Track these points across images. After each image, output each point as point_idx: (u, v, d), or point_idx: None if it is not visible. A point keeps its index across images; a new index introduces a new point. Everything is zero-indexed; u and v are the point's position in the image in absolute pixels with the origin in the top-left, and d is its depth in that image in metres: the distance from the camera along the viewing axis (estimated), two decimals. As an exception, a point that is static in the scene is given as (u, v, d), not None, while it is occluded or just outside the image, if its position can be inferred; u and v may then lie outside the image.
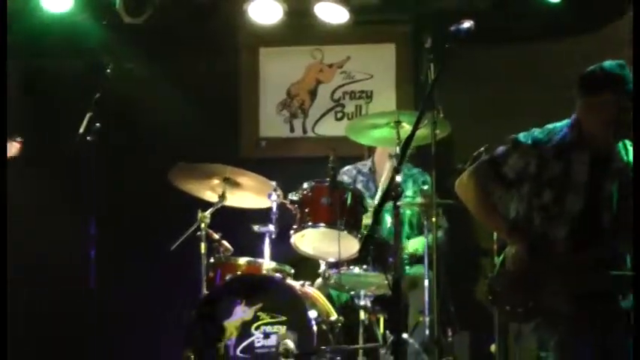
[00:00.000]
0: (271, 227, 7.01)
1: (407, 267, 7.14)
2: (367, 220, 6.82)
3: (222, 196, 7.31)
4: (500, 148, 5.51)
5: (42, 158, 8.70)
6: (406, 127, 6.70)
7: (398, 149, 6.65)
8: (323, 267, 7.01)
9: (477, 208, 5.61)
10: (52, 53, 8.64)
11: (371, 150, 7.86)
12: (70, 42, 8.31)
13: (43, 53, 8.70)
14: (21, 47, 8.57)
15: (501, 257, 5.55)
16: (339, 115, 8.68)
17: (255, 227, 7.09)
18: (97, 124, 7.25)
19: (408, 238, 7.42)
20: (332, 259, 6.85)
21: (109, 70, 7.52)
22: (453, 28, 5.05)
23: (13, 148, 4.84)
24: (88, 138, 7.22)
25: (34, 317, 8.33)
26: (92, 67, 7.85)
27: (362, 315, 6.75)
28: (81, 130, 7.23)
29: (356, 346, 6.71)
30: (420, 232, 7.39)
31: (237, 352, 6.78)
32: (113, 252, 7.48)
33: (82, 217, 7.22)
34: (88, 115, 7.26)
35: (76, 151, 7.21)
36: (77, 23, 8.13)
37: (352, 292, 6.88)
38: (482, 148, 6.55)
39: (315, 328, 6.61)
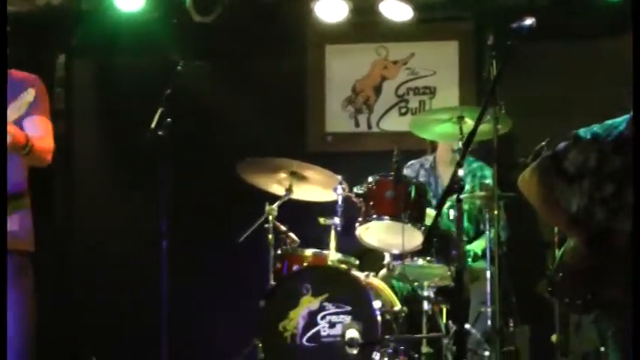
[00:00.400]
0: (337, 220, 7.01)
1: (469, 260, 7.12)
2: (430, 213, 6.83)
3: (289, 190, 7.34)
4: (562, 144, 5.48)
5: (115, 152, 8.80)
6: (468, 123, 6.69)
7: (460, 144, 6.64)
8: (387, 258, 7.03)
9: (540, 203, 5.59)
10: (125, 51, 8.71)
11: (434, 145, 7.85)
12: (142, 40, 8.38)
13: (116, 51, 8.77)
14: (95, 45, 8.67)
15: (561, 250, 5.53)
16: (403, 110, 8.68)
17: (321, 220, 7.10)
18: (168, 120, 7.29)
19: (467, 233, 7.39)
20: (396, 251, 6.87)
21: (179, 67, 7.56)
22: (514, 25, 5.03)
23: None
24: (160, 133, 7.27)
25: (108, 306, 8.41)
26: (163, 64, 7.88)
27: (425, 305, 6.75)
28: (152, 125, 7.29)
29: (419, 335, 6.72)
30: (479, 228, 7.37)
31: (304, 341, 6.81)
32: (184, 243, 7.52)
33: (154, 209, 7.28)
34: (159, 111, 7.31)
35: (147, 145, 7.27)
36: (149, 22, 8.19)
37: (416, 283, 6.88)
38: (543, 143, 6.53)
39: (379, 317, 6.62)
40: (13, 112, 4.68)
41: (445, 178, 7.45)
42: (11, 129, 4.71)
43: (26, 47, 5.16)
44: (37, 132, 4.97)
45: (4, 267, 5.67)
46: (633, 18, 5.28)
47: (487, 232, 6.68)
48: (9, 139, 4.70)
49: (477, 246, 7.21)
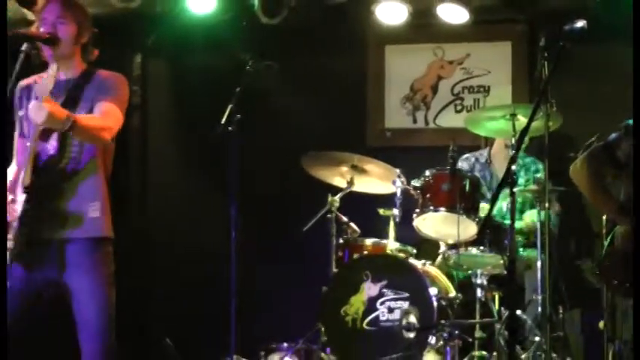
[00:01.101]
0: (395, 211, 7.05)
1: (521, 249, 7.11)
2: (484, 205, 6.83)
3: (351, 182, 7.38)
4: (614, 134, 5.48)
5: (187, 146, 8.86)
6: (521, 120, 6.68)
7: (513, 140, 6.63)
8: (443, 248, 7.05)
9: (590, 191, 5.59)
10: (197, 51, 8.76)
11: (487, 140, 7.83)
12: (212, 41, 8.42)
13: (188, 51, 8.83)
14: (168, 46, 8.74)
15: (610, 236, 5.52)
16: (459, 107, 8.67)
17: (381, 211, 7.14)
18: (238, 116, 7.35)
19: (522, 212, 7.37)
20: (451, 241, 6.89)
21: (248, 67, 7.61)
22: (566, 27, 5.03)
23: None
24: (230, 128, 7.32)
25: (180, 291, 8.48)
26: (233, 63, 7.93)
27: (479, 292, 6.76)
28: (223, 121, 7.34)
29: (473, 320, 6.72)
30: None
31: (364, 325, 6.85)
32: (252, 232, 7.57)
33: (224, 199, 7.34)
34: (229, 108, 7.37)
35: (218, 140, 7.32)
36: (219, 24, 8.23)
37: (470, 271, 6.89)
38: (593, 138, 6.51)
39: (435, 303, 6.65)
40: (40, 89, 4.69)
41: (499, 172, 7.44)
42: (46, 104, 4.66)
43: (105, 48, 5.19)
44: (98, 114, 4.93)
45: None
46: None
47: (537, 222, 6.65)
48: (44, 113, 4.66)
49: (531, 215, 7.16)
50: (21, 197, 4.92)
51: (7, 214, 4.93)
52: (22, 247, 4.90)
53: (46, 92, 4.68)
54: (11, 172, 5.15)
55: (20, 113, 5.10)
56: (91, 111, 4.95)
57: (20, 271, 4.91)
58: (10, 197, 4.99)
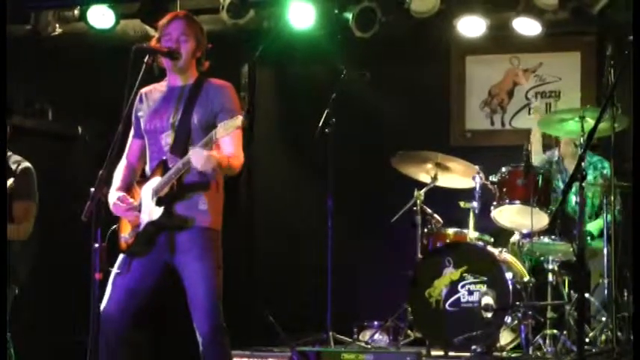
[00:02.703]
0: (475, 203, 7.03)
1: (589, 238, 7.02)
2: (556, 198, 6.78)
3: (435, 178, 7.37)
4: None
5: (289, 146, 8.90)
6: (589, 122, 6.58)
7: (582, 140, 6.54)
8: (518, 237, 7.00)
9: None
10: (298, 61, 8.79)
11: (557, 140, 7.72)
12: (311, 52, 8.43)
13: (290, 61, 8.87)
14: (273, 57, 8.78)
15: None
16: (532, 111, 8.60)
17: (461, 203, 7.12)
18: (333, 119, 7.39)
19: (590, 217, 7.27)
20: (525, 231, 6.83)
21: (343, 75, 7.63)
22: (631, 38, 4.94)
23: None
24: (326, 130, 7.36)
25: (282, 274, 8.52)
26: (330, 72, 7.95)
27: (550, 277, 6.69)
28: (320, 124, 7.37)
29: (545, 302, 6.66)
30: (599, 212, 7.22)
31: (447, 306, 6.83)
32: (346, 222, 7.60)
33: (322, 192, 7.37)
34: (326, 112, 7.40)
35: (316, 141, 7.35)
36: (318, 37, 8.24)
37: (542, 258, 6.81)
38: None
39: (510, 287, 6.62)
40: (221, 131, 4.67)
41: (569, 169, 7.34)
42: (215, 154, 4.71)
43: (218, 59, 5.23)
44: (232, 149, 4.92)
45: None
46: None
47: (604, 215, 6.56)
48: (213, 162, 4.70)
49: (594, 227, 7.08)
50: (147, 200, 4.98)
51: (115, 208, 4.99)
52: (141, 247, 4.97)
53: (220, 135, 4.70)
54: (121, 167, 5.20)
55: (140, 113, 5.16)
56: (209, 114, 4.95)
57: (137, 261, 4.99)
58: (120, 193, 5.05)
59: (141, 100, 5.15)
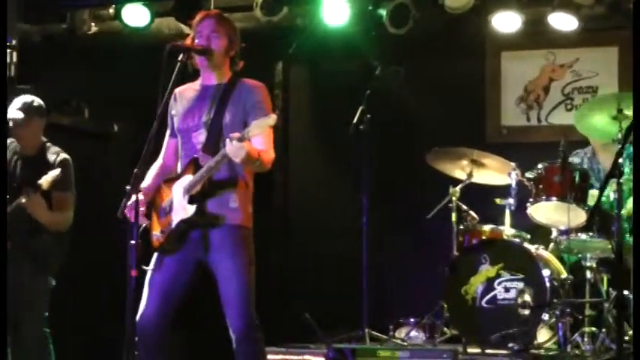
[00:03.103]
0: (511, 200, 6.97)
1: (627, 235, 6.93)
2: (593, 193, 6.70)
3: (470, 174, 7.32)
4: None
5: (324, 143, 8.88)
6: (627, 114, 6.45)
7: (619, 135, 6.44)
8: (555, 233, 6.93)
9: None
10: (332, 58, 8.77)
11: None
12: (346, 49, 8.41)
13: (324, 58, 8.85)
14: (307, 54, 8.77)
15: None
16: (569, 106, 8.52)
17: (497, 200, 7.07)
18: (368, 116, 7.36)
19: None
20: (562, 227, 6.76)
21: (377, 72, 7.61)
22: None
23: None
24: (361, 127, 7.34)
25: (317, 271, 8.52)
26: (364, 69, 7.93)
27: (588, 274, 6.62)
28: (355, 121, 7.35)
29: (583, 299, 6.59)
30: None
31: (483, 303, 6.78)
32: (381, 219, 7.56)
33: (357, 189, 7.35)
34: (360, 108, 7.37)
35: (350, 137, 7.33)
36: (352, 34, 8.22)
37: (580, 255, 6.74)
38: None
39: (548, 284, 6.55)
40: (254, 129, 4.66)
41: (602, 162, 7.25)
42: (247, 145, 4.69)
43: (251, 56, 5.22)
44: (263, 145, 4.92)
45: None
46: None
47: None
48: (243, 153, 4.68)
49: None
50: (178, 198, 4.97)
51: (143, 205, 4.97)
52: (173, 245, 4.96)
53: (253, 134, 4.69)
54: (155, 166, 5.23)
55: (173, 112, 5.16)
56: (240, 114, 4.97)
57: (169, 258, 4.99)
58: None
59: (175, 100, 5.18)
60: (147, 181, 5.13)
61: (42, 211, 6.13)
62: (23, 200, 6.06)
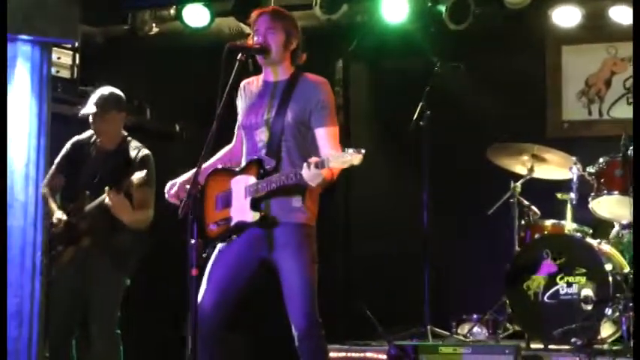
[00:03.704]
0: (572, 195, 6.92)
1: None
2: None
3: (531, 170, 7.31)
4: None
5: (384, 139, 8.88)
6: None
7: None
8: (617, 228, 6.88)
9: None
10: (392, 55, 8.78)
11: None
12: (405, 46, 8.41)
13: (384, 55, 8.85)
14: (367, 51, 8.79)
15: None
16: (631, 100, 8.44)
17: (559, 195, 7.04)
18: (428, 112, 7.35)
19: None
20: (625, 221, 6.72)
21: (437, 68, 7.59)
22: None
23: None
24: (421, 123, 7.34)
25: (378, 267, 8.53)
26: (424, 65, 7.92)
27: (651, 267, 6.56)
28: (415, 117, 7.35)
29: (646, 294, 6.53)
30: None
31: (545, 298, 6.74)
32: (442, 214, 7.55)
33: (418, 186, 7.34)
34: (420, 105, 7.37)
35: (411, 133, 7.33)
36: (411, 30, 8.22)
37: (643, 249, 6.68)
38: None
39: (610, 278, 6.49)
40: (335, 162, 4.54)
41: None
42: (324, 171, 4.61)
43: (312, 55, 5.24)
44: (330, 148, 4.84)
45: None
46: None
47: None
48: (319, 179, 4.63)
49: None
50: (239, 196, 4.96)
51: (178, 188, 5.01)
52: (229, 237, 4.97)
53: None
54: (226, 148, 5.26)
55: (239, 106, 5.18)
56: (303, 112, 4.94)
57: (230, 252, 5.00)
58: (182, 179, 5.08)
59: (241, 93, 5.19)
60: (211, 160, 5.17)
61: (126, 211, 6.01)
62: (107, 200, 5.95)
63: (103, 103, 6.24)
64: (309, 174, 4.63)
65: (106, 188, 5.96)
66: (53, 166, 6.48)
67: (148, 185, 6.11)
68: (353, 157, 4.52)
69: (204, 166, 5.03)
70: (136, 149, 6.27)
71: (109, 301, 6.19)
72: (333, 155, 4.59)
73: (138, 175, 5.89)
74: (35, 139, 7.14)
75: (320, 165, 4.60)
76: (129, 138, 6.36)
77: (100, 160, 6.30)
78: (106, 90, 6.34)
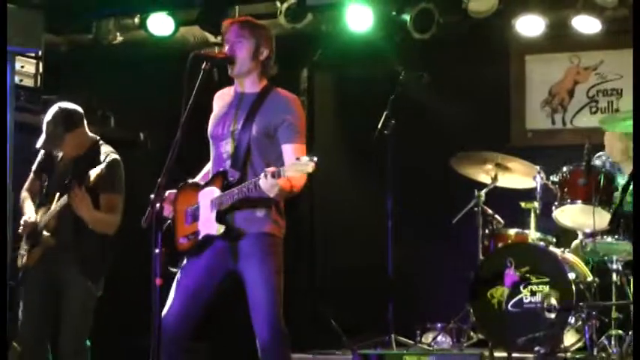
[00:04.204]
0: (536, 204, 7.00)
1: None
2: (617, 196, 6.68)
3: (495, 178, 7.34)
4: None
5: (348, 149, 8.90)
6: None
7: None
8: (580, 236, 6.93)
9: None
10: (356, 64, 8.78)
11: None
12: (370, 55, 8.43)
13: (348, 64, 8.86)
14: (331, 60, 8.80)
15: None
16: (594, 109, 8.50)
17: (522, 204, 7.09)
18: (392, 121, 7.37)
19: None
20: (588, 230, 6.75)
21: (401, 77, 7.61)
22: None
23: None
24: (385, 132, 7.35)
25: (343, 275, 8.54)
26: (388, 74, 7.93)
27: (614, 277, 6.59)
28: (379, 126, 7.36)
29: (609, 302, 6.56)
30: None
31: (509, 307, 6.78)
32: (405, 223, 7.56)
33: (382, 194, 7.35)
34: (385, 114, 7.39)
35: (376, 142, 7.34)
36: (375, 40, 8.23)
37: (605, 258, 6.71)
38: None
39: (574, 287, 6.54)
40: (290, 171, 4.57)
41: (622, 165, 7.21)
42: (281, 181, 4.61)
43: (277, 63, 5.22)
44: (292, 164, 4.74)
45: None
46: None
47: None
48: (276, 190, 4.63)
49: None
50: (205, 209, 4.95)
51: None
52: (199, 250, 4.96)
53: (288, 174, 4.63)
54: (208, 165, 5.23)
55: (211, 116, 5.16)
56: (268, 127, 4.90)
57: (198, 264, 4.99)
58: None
59: (214, 103, 5.16)
60: (200, 175, 5.20)
61: (85, 207, 5.86)
62: (66, 198, 5.84)
63: (52, 131, 6.07)
64: (266, 184, 4.63)
65: (66, 182, 5.88)
66: (31, 172, 6.42)
67: (114, 189, 6.04)
68: (306, 166, 4.54)
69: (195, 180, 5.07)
70: (105, 154, 6.17)
71: (78, 312, 6.04)
72: (288, 164, 4.61)
73: (95, 171, 5.83)
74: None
75: (277, 174, 4.59)
76: (100, 142, 6.24)
77: (70, 163, 6.21)
78: (50, 114, 6.15)
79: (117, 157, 6.15)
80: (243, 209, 4.88)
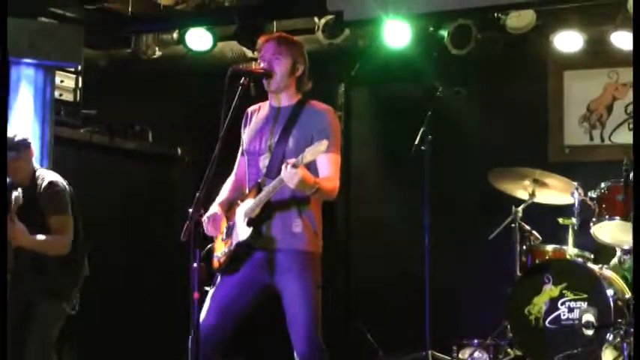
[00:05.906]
0: (574, 220, 6.96)
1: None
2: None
3: (532, 194, 7.32)
4: None
5: (386, 164, 8.91)
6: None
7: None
8: (618, 253, 6.90)
9: None
10: (394, 80, 8.80)
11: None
12: (407, 70, 8.44)
13: (386, 80, 8.87)
14: (369, 76, 8.82)
15: None
16: (632, 126, 8.48)
17: (560, 220, 7.06)
18: (430, 137, 7.37)
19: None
20: (626, 247, 6.74)
21: (439, 93, 7.62)
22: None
23: None
24: (422, 148, 7.35)
25: (379, 290, 8.54)
26: (426, 90, 7.94)
27: (652, 293, 6.57)
28: (416, 142, 7.37)
29: (648, 320, 6.54)
30: None
31: (546, 323, 6.76)
32: (443, 238, 7.55)
33: (419, 210, 7.35)
34: (422, 130, 7.39)
35: (413, 158, 7.35)
36: (413, 55, 8.25)
37: (644, 274, 6.70)
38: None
39: (612, 304, 6.50)
40: (308, 156, 4.64)
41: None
42: (301, 171, 4.66)
43: (314, 79, 5.26)
44: (328, 171, 4.91)
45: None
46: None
47: None
48: (296, 179, 4.66)
49: None
50: (240, 221, 5.00)
51: (210, 227, 5.03)
52: (233, 265, 4.99)
53: (306, 161, 4.67)
54: (229, 182, 5.27)
55: (243, 132, 5.20)
56: (305, 138, 4.94)
57: (232, 278, 5.02)
58: (217, 209, 5.11)
59: (246, 119, 5.20)
60: (220, 196, 5.19)
61: (20, 237, 5.76)
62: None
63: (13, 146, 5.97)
64: (286, 174, 4.67)
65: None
66: None
67: (57, 211, 5.97)
68: (321, 145, 4.62)
69: (219, 201, 5.11)
70: (41, 179, 6.06)
71: (41, 327, 6.00)
72: (305, 151, 4.65)
73: (14, 194, 5.75)
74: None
75: (296, 164, 4.65)
76: (37, 171, 6.13)
77: (24, 198, 6.14)
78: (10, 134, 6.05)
79: (53, 179, 6.05)
80: (276, 219, 4.93)
